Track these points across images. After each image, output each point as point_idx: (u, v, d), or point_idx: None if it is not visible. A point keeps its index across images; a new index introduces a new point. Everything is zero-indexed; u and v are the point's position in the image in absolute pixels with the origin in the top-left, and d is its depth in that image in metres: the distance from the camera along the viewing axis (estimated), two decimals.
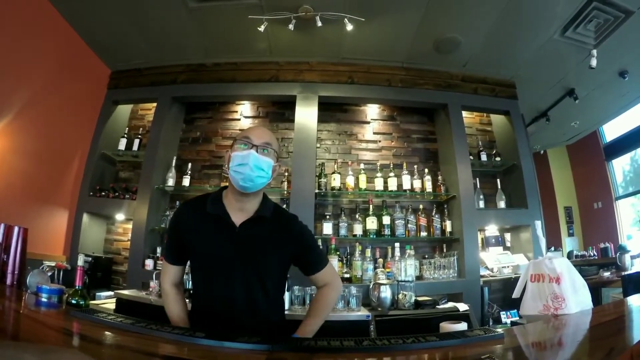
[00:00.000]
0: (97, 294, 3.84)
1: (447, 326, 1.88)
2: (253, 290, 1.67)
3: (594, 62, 4.23)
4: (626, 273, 4.69)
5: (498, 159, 4.72)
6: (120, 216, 4.40)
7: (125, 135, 4.62)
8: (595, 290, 4.55)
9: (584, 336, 1.38)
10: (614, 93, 5.51)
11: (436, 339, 1.18)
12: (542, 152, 8.51)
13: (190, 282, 2.75)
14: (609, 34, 4.09)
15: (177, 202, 4.32)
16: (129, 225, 4.30)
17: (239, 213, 1.70)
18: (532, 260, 1.99)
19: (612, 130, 8.33)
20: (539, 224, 2.17)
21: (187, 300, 1.85)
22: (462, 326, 1.79)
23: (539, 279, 1.89)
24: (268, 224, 1.72)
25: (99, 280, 4.08)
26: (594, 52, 4.21)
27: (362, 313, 3.19)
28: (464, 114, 4.71)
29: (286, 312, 2.03)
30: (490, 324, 3.77)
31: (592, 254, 6.56)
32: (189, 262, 1.81)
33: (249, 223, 1.69)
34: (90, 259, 3.95)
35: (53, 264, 3.56)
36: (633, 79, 4.98)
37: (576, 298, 1.76)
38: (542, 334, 1.43)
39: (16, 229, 2.05)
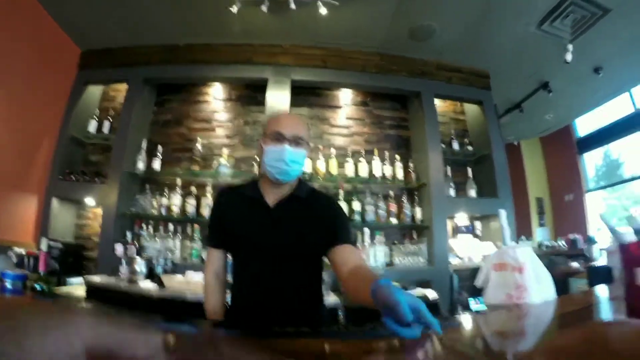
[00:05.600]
0: (68, 280, 3.79)
1: None
2: (287, 272, 1.66)
3: (569, 57, 4.25)
4: (591, 264, 4.81)
5: (470, 148, 4.78)
6: (90, 201, 4.30)
7: (96, 117, 4.54)
8: (563, 280, 4.65)
9: (546, 325, 1.39)
10: (588, 88, 5.59)
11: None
12: (516, 142, 8.61)
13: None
14: (585, 29, 4.15)
15: (147, 186, 4.28)
16: (100, 210, 4.24)
17: (274, 196, 1.73)
18: (496, 250, 2.00)
19: (585, 124, 8.46)
20: (503, 213, 2.16)
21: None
22: None
23: (503, 268, 1.90)
24: (303, 204, 1.73)
25: (70, 265, 4.00)
26: (570, 46, 4.23)
27: (331, 299, 3.09)
28: (437, 102, 4.74)
29: None
30: (460, 310, 3.82)
31: (561, 245, 6.68)
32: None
33: (284, 203, 1.72)
34: (60, 244, 3.88)
35: (24, 251, 3.50)
36: (607, 76, 5.06)
37: (539, 288, 1.78)
38: (499, 323, 1.43)
39: None
